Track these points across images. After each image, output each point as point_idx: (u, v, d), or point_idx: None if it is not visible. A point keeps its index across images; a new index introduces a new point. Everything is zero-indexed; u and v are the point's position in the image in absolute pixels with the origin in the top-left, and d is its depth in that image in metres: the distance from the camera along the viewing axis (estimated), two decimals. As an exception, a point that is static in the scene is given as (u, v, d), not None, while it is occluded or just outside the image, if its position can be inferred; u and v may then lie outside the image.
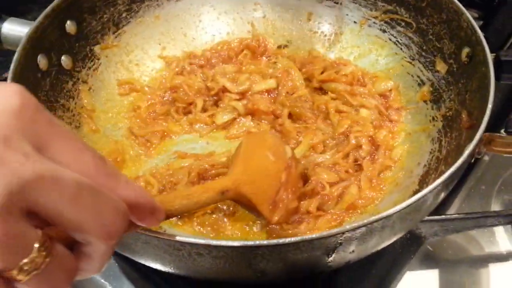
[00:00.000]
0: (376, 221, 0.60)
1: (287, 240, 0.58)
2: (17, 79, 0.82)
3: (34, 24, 0.89)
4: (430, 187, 0.63)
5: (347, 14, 1.16)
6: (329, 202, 0.89)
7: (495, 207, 0.99)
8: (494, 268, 0.91)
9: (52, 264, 0.39)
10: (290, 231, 0.83)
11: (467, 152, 0.68)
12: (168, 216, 0.58)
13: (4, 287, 0.38)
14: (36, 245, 0.38)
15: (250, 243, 0.59)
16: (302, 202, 0.88)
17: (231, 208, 0.89)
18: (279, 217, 0.80)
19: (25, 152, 0.37)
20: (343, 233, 0.60)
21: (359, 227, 0.60)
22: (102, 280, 0.90)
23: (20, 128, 0.38)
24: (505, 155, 0.77)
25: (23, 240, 0.37)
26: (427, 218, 0.87)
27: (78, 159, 0.42)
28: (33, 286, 0.39)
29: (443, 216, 0.89)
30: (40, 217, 0.38)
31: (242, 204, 0.78)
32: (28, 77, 0.87)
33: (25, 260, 0.37)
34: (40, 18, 0.90)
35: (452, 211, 0.99)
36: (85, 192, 0.39)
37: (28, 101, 0.40)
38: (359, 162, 0.95)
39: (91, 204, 0.40)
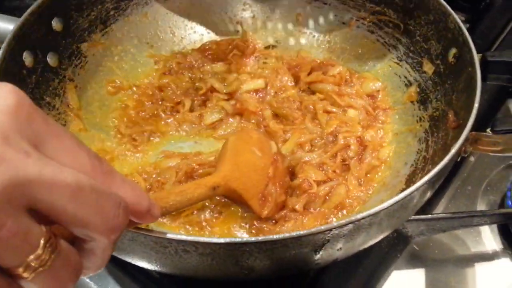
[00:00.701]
0: (364, 218, 0.61)
1: (275, 237, 0.58)
2: (1, 75, 0.80)
3: (20, 20, 0.87)
4: (417, 184, 0.64)
5: (335, 15, 1.17)
6: (316, 200, 0.89)
7: (481, 207, 1.00)
8: (480, 268, 0.92)
9: (58, 261, 0.39)
10: (278, 229, 0.83)
11: (453, 150, 0.69)
12: (163, 214, 0.58)
13: (8, 287, 0.38)
14: (42, 241, 0.38)
15: (238, 240, 0.59)
16: (289, 198, 0.89)
17: (219, 208, 0.89)
18: (268, 211, 0.81)
19: (25, 150, 0.37)
20: (330, 230, 0.60)
21: (346, 224, 0.60)
22: (88, 280, 0.89)
23: (17, 127, 0.38)
24: (491, 154, 0.77)
25: (29, 236, 0.37)
26: (413, 217, 0.88)
27: (74, 157, 0.42)
28: (39, 284, 0.39)
29: (429, 216, 0.90)
30: (41, 214, 0.38)
31: (232, 199, 0.80)
32: (13, 74, 0.86)
33: (31, 257, 0.37)
34: (26, 14, 0.88)
35: (439, 211, 0.99)
36: (86, 189, 0.39)
37: (23, 100, 0.40)
38: (346, 162, 0.95)
39: (93, 200, 0.40)
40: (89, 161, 0.42)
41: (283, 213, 0.87)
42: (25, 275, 0.37)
